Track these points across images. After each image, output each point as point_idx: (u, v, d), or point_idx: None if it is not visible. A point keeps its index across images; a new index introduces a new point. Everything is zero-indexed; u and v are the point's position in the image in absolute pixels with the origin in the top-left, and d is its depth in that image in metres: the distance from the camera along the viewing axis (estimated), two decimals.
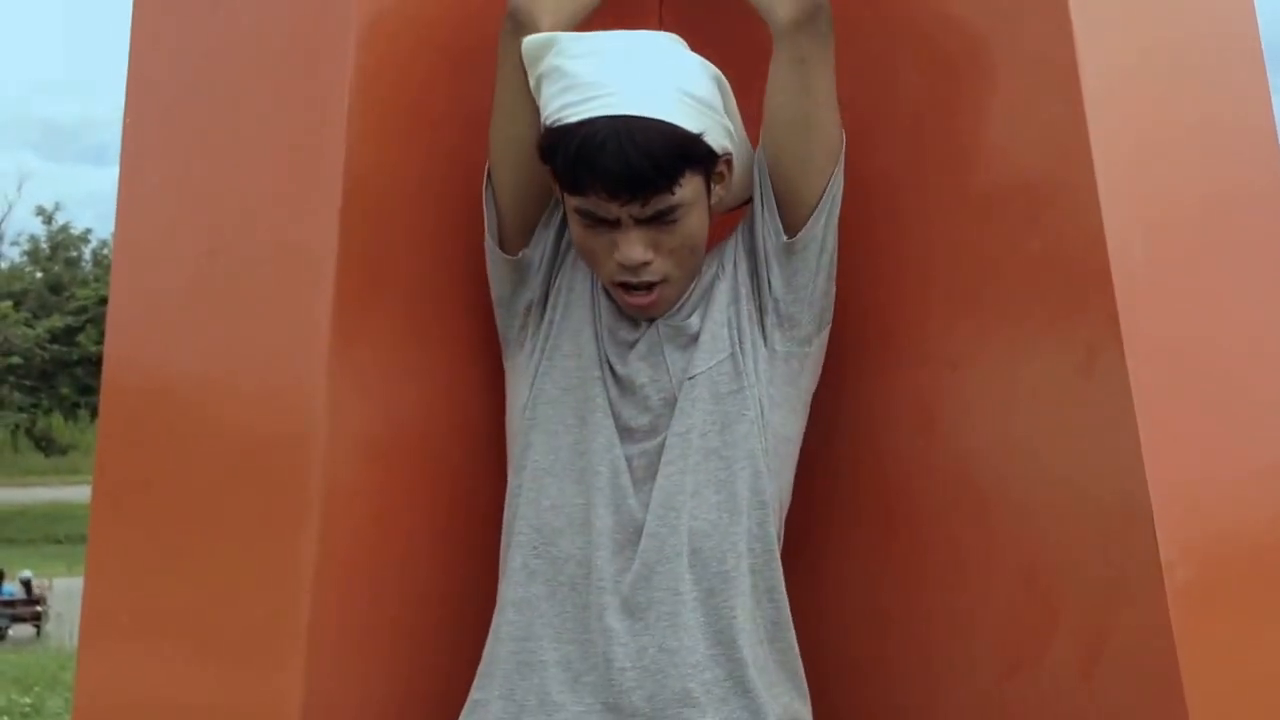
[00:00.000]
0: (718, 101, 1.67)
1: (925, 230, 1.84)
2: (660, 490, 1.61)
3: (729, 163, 1.69)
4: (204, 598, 1.87)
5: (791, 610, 1.65)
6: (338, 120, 1.73)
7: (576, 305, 1.72)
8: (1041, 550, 1.70)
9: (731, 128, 1.69)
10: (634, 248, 1.62)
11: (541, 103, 1.65)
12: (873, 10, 1.90)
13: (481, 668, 1.65)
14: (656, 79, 1.62)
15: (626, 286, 1.66)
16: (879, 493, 1.77)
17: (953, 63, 1.81)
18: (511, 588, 1.64)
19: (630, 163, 1.56)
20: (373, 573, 1.74)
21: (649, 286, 1.65)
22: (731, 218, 1.78)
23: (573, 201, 1.63)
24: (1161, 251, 1.72)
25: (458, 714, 1.64)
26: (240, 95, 1.92)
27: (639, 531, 1.60)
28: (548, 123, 1.63)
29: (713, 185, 1.67)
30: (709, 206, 1.67)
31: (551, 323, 1.72)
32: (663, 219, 1.61)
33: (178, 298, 1.98)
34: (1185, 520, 1.63)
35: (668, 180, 1.59)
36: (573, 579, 1.62)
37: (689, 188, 1.62)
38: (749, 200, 1.75)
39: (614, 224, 1.61)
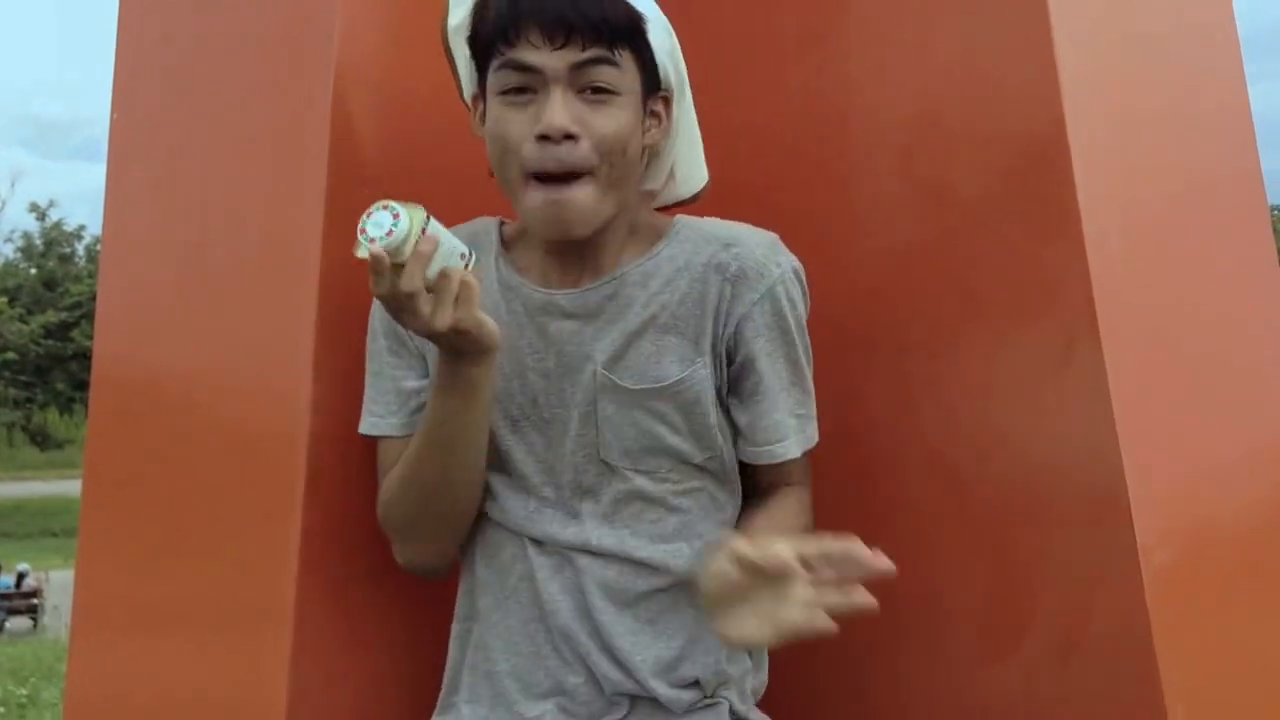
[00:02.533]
0: (671, 41, 1.59)
1: (906, 222, 1.85)
2: None
3: (667, 103, 1.59)
4: (191, 588, 1.88)
5: None
6: (321, 115, 1.74)
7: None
8: (1019, 537, 1.72)
9: (675, 78, 1.60)
10: (558, 111, 1.47)
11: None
12: (857, 13, 1.92)
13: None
14: None
15: (543, 178, 1.50)
16: (858, 480, 1.78)
17: (934, 59, 1.82)
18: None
19: (572, 1, 1.47)
20: (356, 563, 1.74)
21: (571, 177, 1.50)
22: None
23: (495, 65, 1.51)
24: (1138, 242, 1.73)
25: (433, 697, 1.67)
26: (225, 91, 1.93)
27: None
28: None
29: (648, 117, 1.56)
30: (643, 134, 1.56)
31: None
32: (594, 83, 1.49)
33: (165, 293, 1.99)
34: (1162, 507, 1.64)
35: (611, 31, 1.49)
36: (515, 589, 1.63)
37: (627, 74, 1.51)
38: (691, 199, 1.72)
39: (538, 89, 1.49)
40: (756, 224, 1.65)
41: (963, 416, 1.78)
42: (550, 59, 1.47)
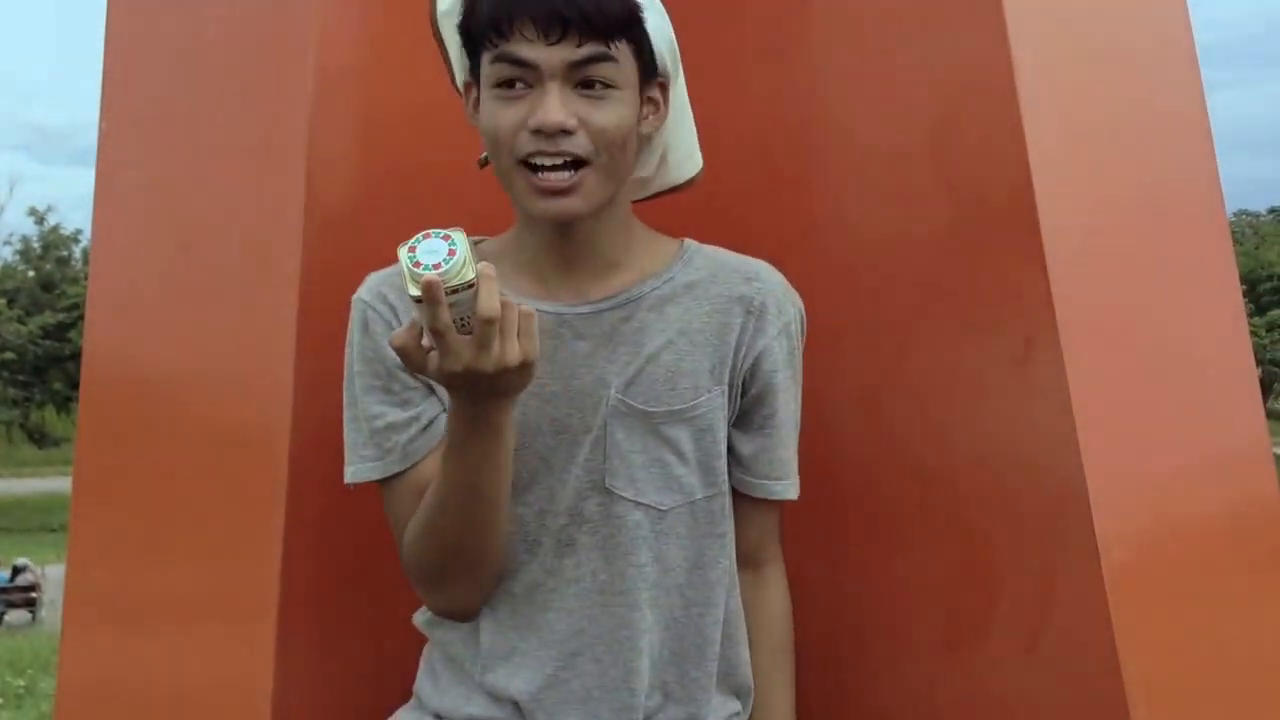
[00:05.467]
0: (667, 24, 1.55)
1: (870, 224, 1.88)
2: None
3: (664, 89, 1.55)
4: (178, 583, 1.92)
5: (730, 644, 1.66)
6: (299, 119, 1.77)
7: None
8: (982, 532, 1.74)
9: (671, 63, 1.56)
10: (554, 107, 1.43)
11: None
12: (828, 17, 1.95)
13: None
14: None
15: (537, 167, 1.46)
16: (824, 477, 1.80)
17: (894, 68, 1.85)
18: None
19: None
20: (339, 556, 1.78)
21: (573, 166, 1.46)
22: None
23: (489, 57, 1.46)
24: (1097, 241, 1.75)
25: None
26: (208, 99, 1.97)
27: None
28: None
29: (645, 104, 1.52)
30: (638, 123, 1.52)
31: None
32: (591, 81, 1.45)
33: (152, 295, 2.02)
34: (1121, 504, 1.66)
35: (608, 24, 1.43)
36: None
37: (624, 66, 1.47)
38: (685, 184, 1.68)
39: (533, 84, 1.44)
40: (723, 225, 1.68)
41: (925, 415, 1.81)
42: (545, 54, 1.43)
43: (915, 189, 1.82)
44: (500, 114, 1.46)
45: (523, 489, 1.54)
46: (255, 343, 1.84)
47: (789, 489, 1.65)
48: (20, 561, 22.29)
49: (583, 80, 1.45)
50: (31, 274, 47.81)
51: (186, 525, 1.91)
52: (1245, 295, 2.08)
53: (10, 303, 44.09)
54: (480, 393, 1.36)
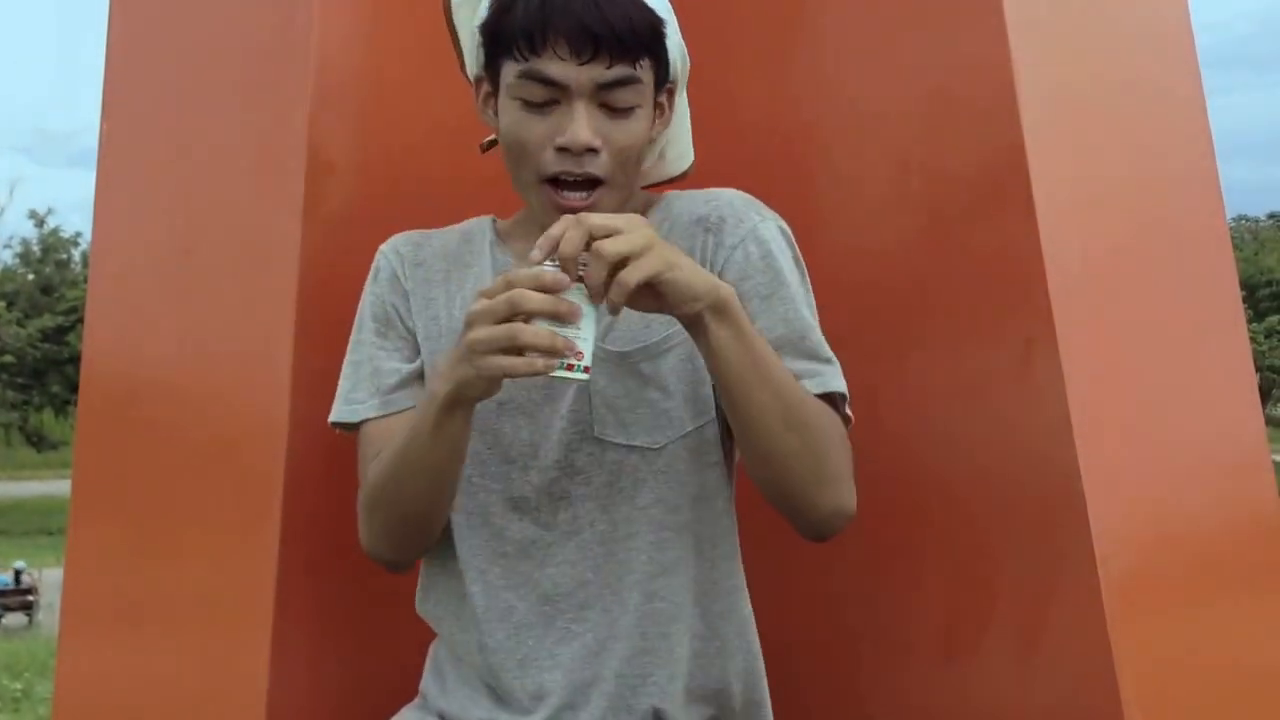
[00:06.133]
0: (678, 31, 1.56)
1: (871, 230, 1.88)
2: None
3: (671, 94, 1.57)
4: (175, 585, 1.92)
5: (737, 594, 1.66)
6: (299, 122, 1.78)
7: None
8: (978, 539, 1.74)
9: (681, 68, 1.57)
10: (583, 128, 1.45)
11: None
12: (824, 16, 1.96)
13: None
14: None
15: (560, 183, 1.49)
16: None
17: (896, 70, 1.85)
18: None
19: (603, 14, 1.42)
20: (335, 559, 1.78)
21: (589, 185, 1.49)
22: None
23: (518, 68, 1.47)
24: (1096, 247, 1.75)
25: (414, 690, 1.68)
26: (208, 103, 1.97)
27: None
28: None
29: (654, 109, 1.54)
30: (650, 129, 1.54)
31: None
32: (617, 103, 1.47)
33: (151, 298, 2.03)
34: (1119, 512, 1.66)
35: (637, 45, 1.46)
36: None
37: (645, 83, 1.49)
38: (679, 176, 1.69)
39: (557, 102, 1.46)
40: None
41: (923, 418, 1.81)
42: (576, 74, 1.45)
43: (913, 191, 1.82)
44: (525, 127, 1.48)
45: (505, 446, 1.55)
46: (253, 346, 1.84)
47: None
48: (18, 565, 22.33)
49: (608, 101, 1.47)
50: (31, 277, 47.90)
51: (184, 528, 1.92)
52: (1244, 301, 2.08)
53: (9, 306, 44.18)
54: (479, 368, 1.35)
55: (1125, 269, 1.81)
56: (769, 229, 1.57)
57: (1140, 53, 1.96)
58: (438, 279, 1.62)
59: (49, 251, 48.80)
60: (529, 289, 1.32)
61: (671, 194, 1.65)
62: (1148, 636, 1.66)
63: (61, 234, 49.71)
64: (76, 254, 48.83)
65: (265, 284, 1.81)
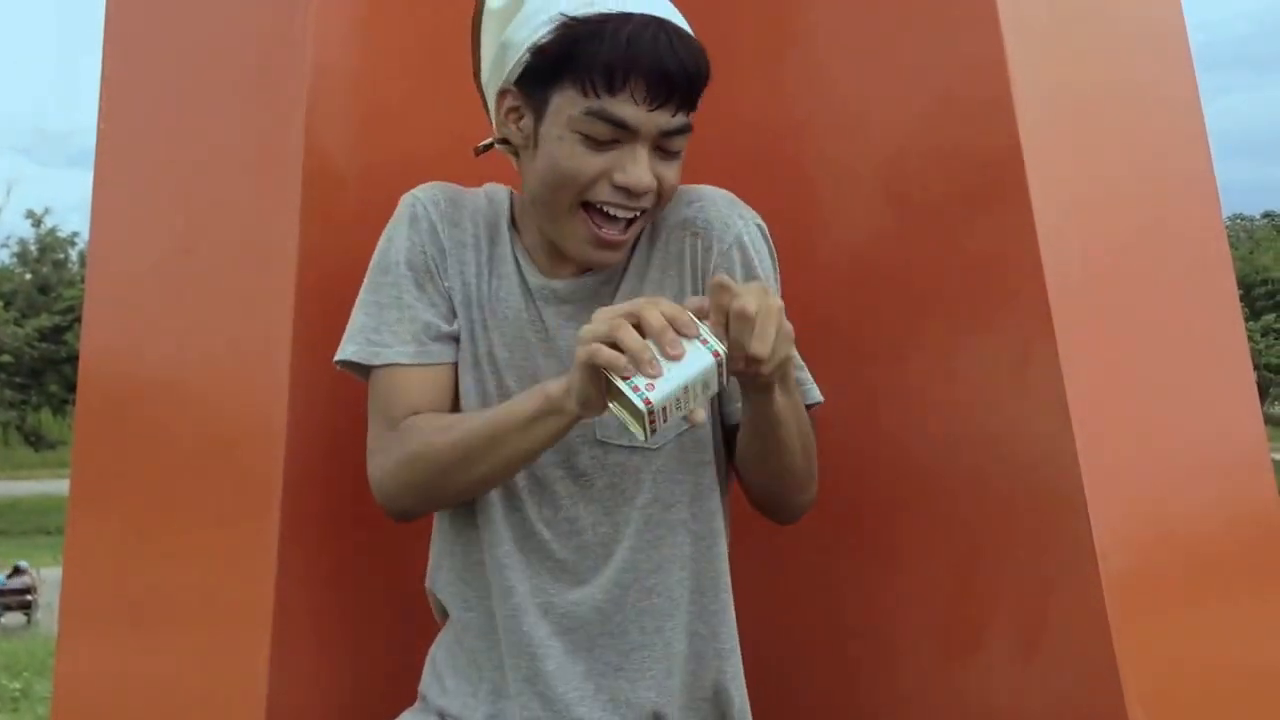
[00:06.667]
0: None
1: (868, 231, 1.89)
2: None
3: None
4: (174, 585, 1.92)
5: (736, 594, 1.65)
6: (297, 121, 1.78)
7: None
8: (978, 539, 1.74)
9: None
10: (645, 171, 1.48)
11: (535, 4, 1.50)
12: (819, 15, 1.96)
13: None
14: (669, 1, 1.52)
15: (607, 215, 1.51)
16: (823, 482, 1.81)
17: (892, 72, 1.85)
18: None
19: (682, 62, 1.44)
20: (333, 558, 1.78)
21: (630, 221, 1.52)
22: None
23: (587, 104, 1.45)
24: (1094, 247, 1.75)
25: (413, 690, 1.68)
26: (206, 102, 1.97)
27: None
28: (570, 14, 1.46)
29: None
30: None
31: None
32: (672, 147, 1.50)
33: (148, 298, 2.03)
34: (1118, 510, 1.66)
35: (699, 93, 1.49)
36: None
37: (691, 120, 1.51)
38: None
39: (618, 142, 1.47)
40: None
41: (923, 420, 1.81)
42: (646, 120, 1.46)
43: (911, 191, 1.82)
44: (584, 161, 1.48)
45: None
46: (252, 345, 1.84)
47: None
48: (21, 564, 22.31)
49: (664, 145, 1.49)
50: (28, 277, 47.94)
51: (183, 527, 1.92)
52: (1239, 300, 2.08)
53: (7, 305, 44.23)
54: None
55: (1123, 268, 1.82)
56: (751, 232, 1.59)
57: (1136, 53, 1.96)
58: (469, 241, 1.62)
59: (46, 251, 48.82)
60: (660, 310, 1.34)
61: None
62: (1149, 635, 1.66)
63: (59, 234, 49.73)
64: (74, 254, 48.87)
65: (263, 284, 1.81)
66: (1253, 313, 46.91)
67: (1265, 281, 50.80)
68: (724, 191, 1.62)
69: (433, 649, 1.67)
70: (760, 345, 1.33)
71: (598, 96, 1.45)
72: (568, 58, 1.46)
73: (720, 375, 1.35)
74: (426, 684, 1.66)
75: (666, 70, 1.43)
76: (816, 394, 1.60)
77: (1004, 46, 1.69)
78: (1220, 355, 1.94)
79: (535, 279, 1.60)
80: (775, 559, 1.75)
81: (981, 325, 1.74)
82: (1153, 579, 1.73)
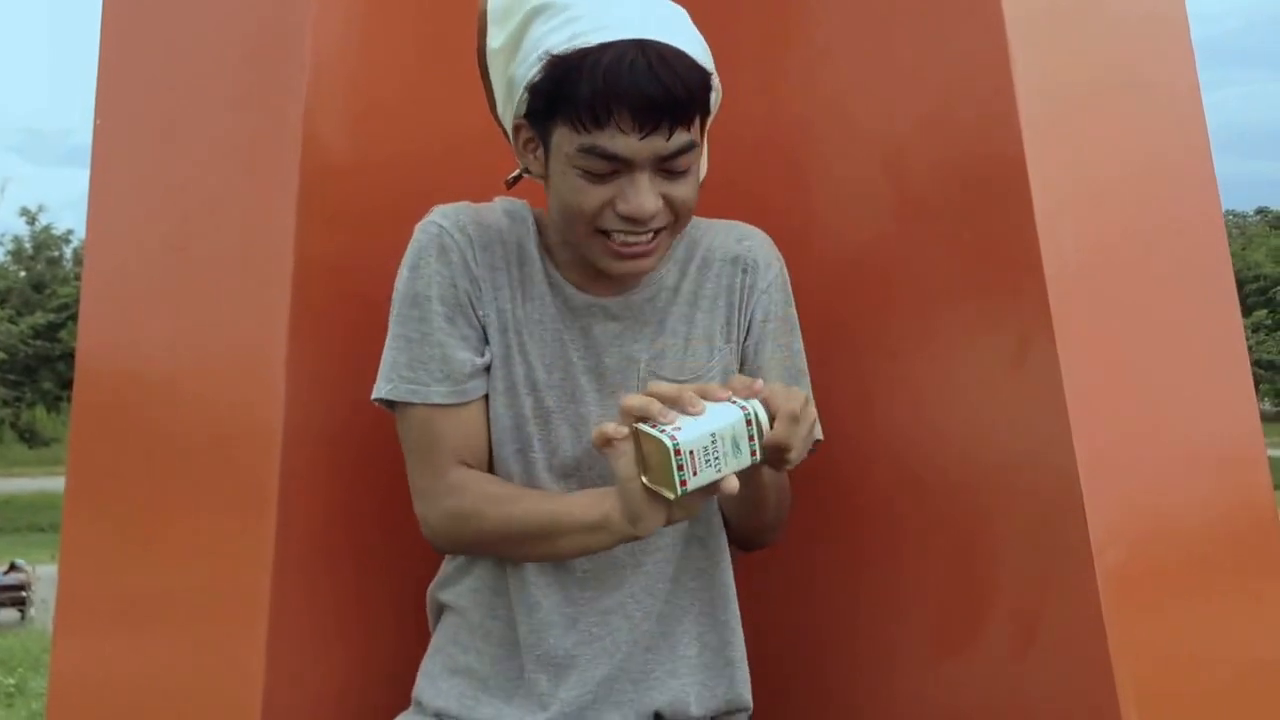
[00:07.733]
0: (711, 57, 1.55)
1: (865, 225, 1.89)
2: None
3: (704, 133, 1.58)
4: (171, 581, 1.92)
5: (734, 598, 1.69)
6: (293, 117, 1.78)
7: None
8: (975, 534, 1.75)
9: (716, 98, 1.58)
10: (647, 197, 1.48)
11: (529, 42, 1.50)
12: (819, 13, 1.95)
13: None
14: (669, 9, 1.51)
15: (620, 240, 1.52)
16: (819, 478, 1.81)
17: (894, 70, 1.85)
18: None
19: (666, 85, 1.42)
20: (329, 556, 1.78)
21: (650, 234, 1.52)
22: None
23: (579, 141, 1.46)
24: (1093, 242, 1.75)
25: (409, 687, 1.68)
26: (202, 99, 1.97)
27: None
28: (554, 52, 1.45)
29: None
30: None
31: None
32: (676, 168, 1.49)
33: (145, 294, 2.02)
34: (1115, 505, 1.66)
35: (695, 110, 1.47)
36: None
37: (698, 137, 1.51)
38: None
39: (618, 172, 1.47)
40: None
41: (920, 415, 1.81)
42: (638, 148, 1.45)
43: (910, 187, 1.82)
44: (586, 193, 1.49)
45: (554, 453, 1.60)
46: (248, 341, 1.84)
47: None
48: (18, 562, 22.26)
49: (667, 167, 1.49)
50: (23, 274, 47.89)
51: (179, 524, 1.91)
52: None
53: (1, 303, 44.17)
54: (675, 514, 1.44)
55: (1122, 264, 1.81)
56: (783, 275, 1.70)
57: (1137, 49, 1.95)
58: (500, 264, 1.62)
59: (41, 249, 48.75)
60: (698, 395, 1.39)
61: (701, 222, 1.68)
62: (1144, 630, 1.67)
63: (53, 231, 49.65)
64: (68, 251, 48.81)
65: (260, 281, 1.81)
66: (1244, 309, 46.78)
67: (1257, 278, 50.83)
68: (761, 232, 1.71)
69: (426, 659, 1.68)
70: (798, 448, 1.40)
71: (588, 132, 1.46)
72: (557, 96, 1.47)
73: (751, 440, 1.37)
74: (420, 688, 1.67)
75: (649, 96, 1.42)
76: (818, 431, 1.61)
77: (1006, 40, 1.69)
78: (1218, 350, 1.94)
79: (580, 297, 1.61)
80: (772, 554, 1.75)
81: (981, 321, 1.75)
82: (1148, 574, 1.73)
